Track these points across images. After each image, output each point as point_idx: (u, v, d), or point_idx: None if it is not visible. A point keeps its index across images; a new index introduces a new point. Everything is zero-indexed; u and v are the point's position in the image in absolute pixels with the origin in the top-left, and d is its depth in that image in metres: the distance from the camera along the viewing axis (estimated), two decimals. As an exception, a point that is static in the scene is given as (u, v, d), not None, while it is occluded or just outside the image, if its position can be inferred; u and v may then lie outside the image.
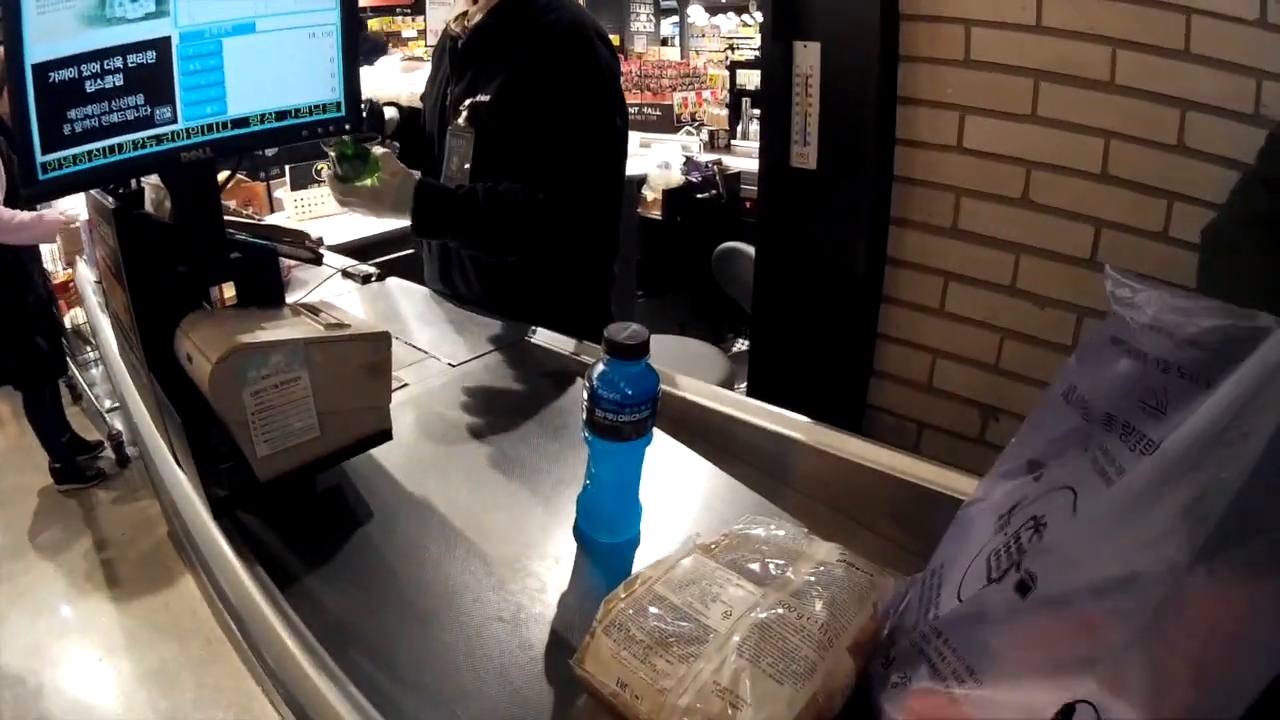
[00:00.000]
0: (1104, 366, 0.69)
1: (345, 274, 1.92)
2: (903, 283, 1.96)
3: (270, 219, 1.99)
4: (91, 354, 4.81)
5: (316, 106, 1.20)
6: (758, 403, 1.38)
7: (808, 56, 1.89)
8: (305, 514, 1.17)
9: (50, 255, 4.15)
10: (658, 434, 1.06)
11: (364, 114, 1.36)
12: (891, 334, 2.00)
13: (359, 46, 1.22)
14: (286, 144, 1.81)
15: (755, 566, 0.87)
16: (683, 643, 0.77)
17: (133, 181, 1.21)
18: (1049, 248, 1.76)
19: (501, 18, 1.72)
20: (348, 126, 1.22)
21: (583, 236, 1.73)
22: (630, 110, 6.17)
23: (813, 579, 0.84)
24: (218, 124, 1.14)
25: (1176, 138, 1.61)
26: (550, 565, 1.06)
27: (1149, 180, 1.65)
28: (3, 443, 4.87)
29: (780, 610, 0.78)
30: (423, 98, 1.98)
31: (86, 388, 4.71)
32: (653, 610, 0.81)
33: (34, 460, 4.10)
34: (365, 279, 1.88)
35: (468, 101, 1.72)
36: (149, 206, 1.28)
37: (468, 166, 1.71)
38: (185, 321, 1.13)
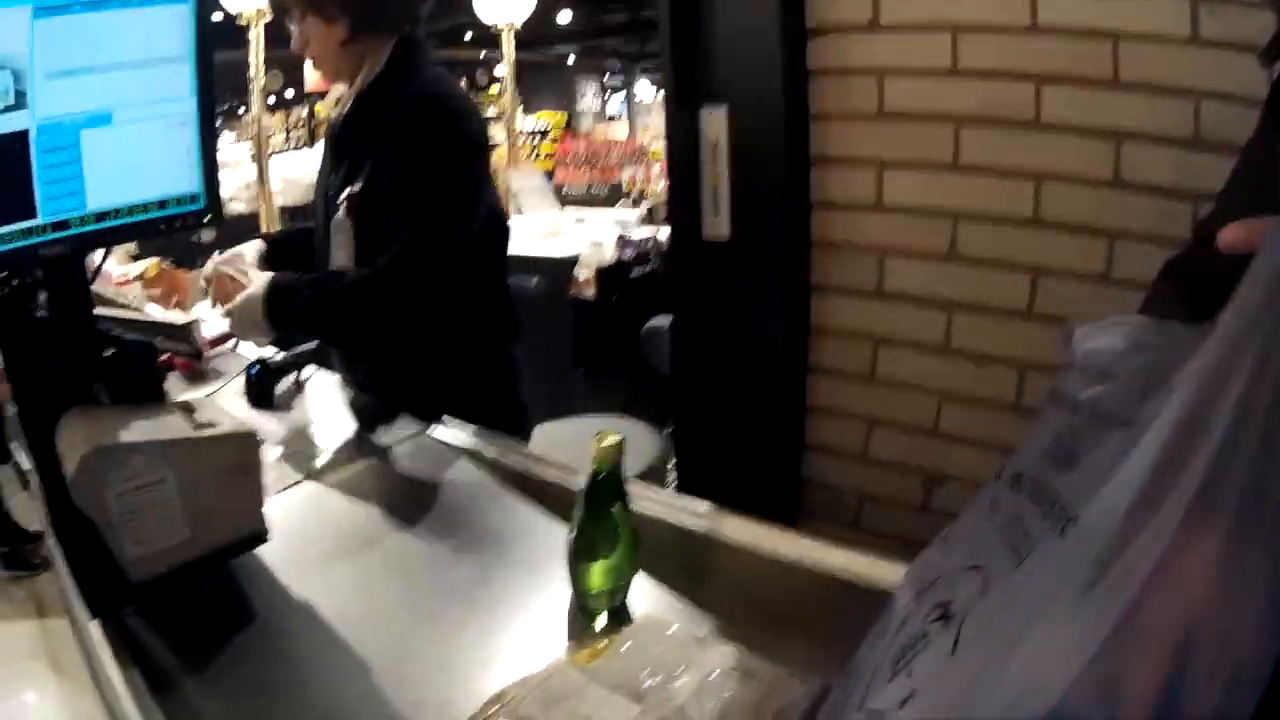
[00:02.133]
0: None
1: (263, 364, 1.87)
2: (829, 351, 1.92)
3: (199, 309, 1.97)
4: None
5: (177, 199, 1.18)
6: (665, 493, 1.33)
7: (714, 122, 1.87)
8: (187, 616, 1.13)
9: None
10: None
11: None
12: (822, 405, 1.96)
13: (216, 135, 1.20)
14: (148, 238, 1.80)
15: (637, 678, 0.82)
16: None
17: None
18: (983, 302, 1.72)
19: (367, 102, 1.71)
20: (206, 219, 1.20)
21: (446, 310, 1.66)
22: (579, 188, 6.21)
23: (699, 691, 0.79)
24: (76, 219, 1.11)
25: (1112, 172, 1.57)
26: (433, 673, 1.02)
27: (1086, 220, 1.61)
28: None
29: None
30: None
31: (35, 476, 4.57)
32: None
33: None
34: (282, 369, 1.83)
35: (346, 191, 1.69)
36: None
37: (352, 258, 1.69)
38: (64, 418, 1.11)
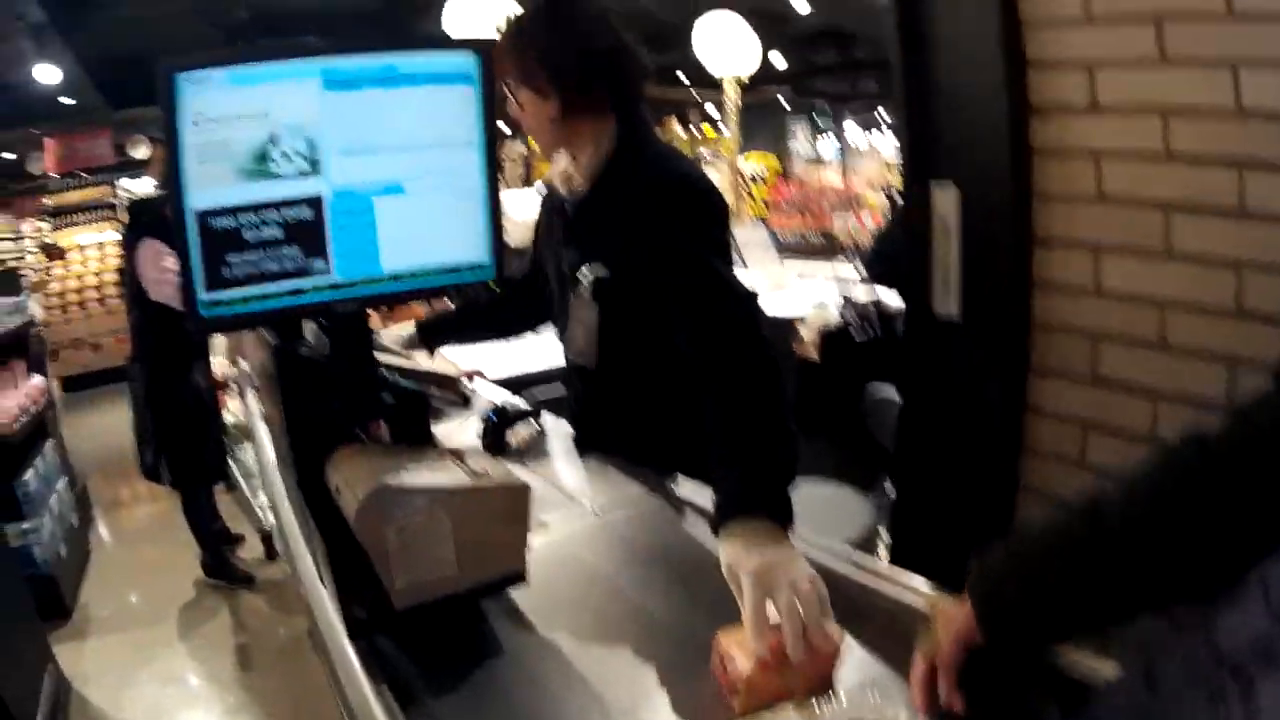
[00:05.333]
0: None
1: (501, 411, 1.95)
2: (1044, 434, 1.90)
3: (397, 329, 2.09)
4: (250, 450, 5.05)
5: (464, 266, 1.29)
6: (881, 564, 1.34)
7: (944, 199, 1.90)
8: (436, 644, 1.22)
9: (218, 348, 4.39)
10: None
11: None
12: (1034, 485, 1.95)
13: (500, 208, 1.30)
14: (434, 298, 1.89)
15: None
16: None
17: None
18: (1187, 391, 1.70)
19: (606, 186, 1.72)
20: (492, 284, 1.30)
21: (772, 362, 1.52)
22: (793, 235, 6.08)
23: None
24: (369, 279, 1.23)
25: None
26: (665, 714, 1.07)
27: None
28: (161, 511, 5.18)
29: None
30: (537, 246, 2.01)
31: (241, 479, 4.92)
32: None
33: (189, 538, 4.32)
34: (519, 416, 1.93)
35: (586, 274, 1.71)
36: (308, 335, 1.38)
37: (595, 340, 1.73)
38: (337, 454, 1.22)
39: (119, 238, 10.07)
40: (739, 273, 1.64)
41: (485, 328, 2.29)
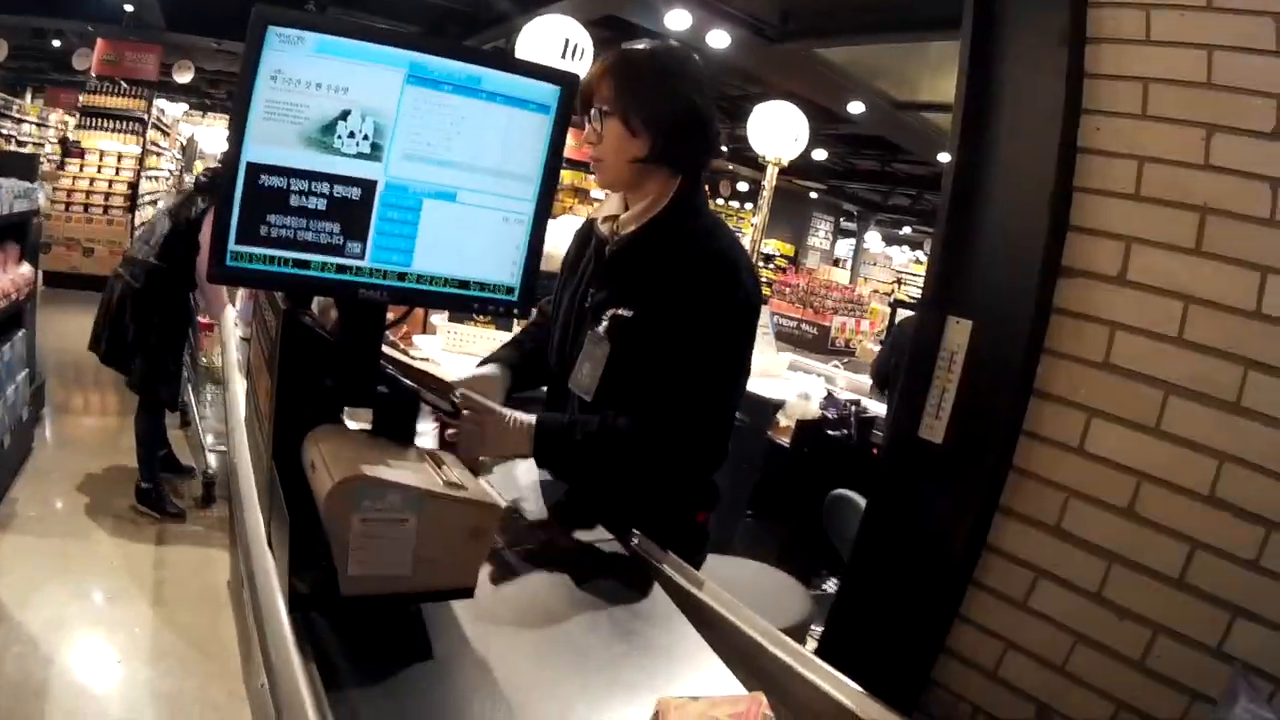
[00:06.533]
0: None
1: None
2: (994, 571, 1.95)
3: (420, 340, 2.07)
4: (210, 395, 5.12)
5: (493, 285, 1.31)
6: (814, 659, 1.36)
7: (959, 332, 1.95)
8: (371, 634, 1.22)
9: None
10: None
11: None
12: (971, 617, 1.99)
13: (544, 240, 1.32)
14: (455, 309, 1.90)
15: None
16: None
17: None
18: (1141, 561, 1.74)
19: (654, 234, 1.77)
20: (515, 311, 1.32)
21: (691, 457, 1.74)
22: (790, 324, 6.21)
23: None
24: (398, 274, 1.25)
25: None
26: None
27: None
28: (109, 427, 5.13)
29: None
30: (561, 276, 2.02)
31: (198, 419, 4.99)
32: None
33: (131, 461, 4.33)
34: None
35: (609, 313, 1.74)
36: (315, 307, 1.40)
37: (599, 374, 1.74)
38: (318, 431, 1.23)
39: (138, 152, 10.21)
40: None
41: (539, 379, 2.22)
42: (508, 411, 1.63)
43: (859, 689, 1.29)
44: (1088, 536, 1.81)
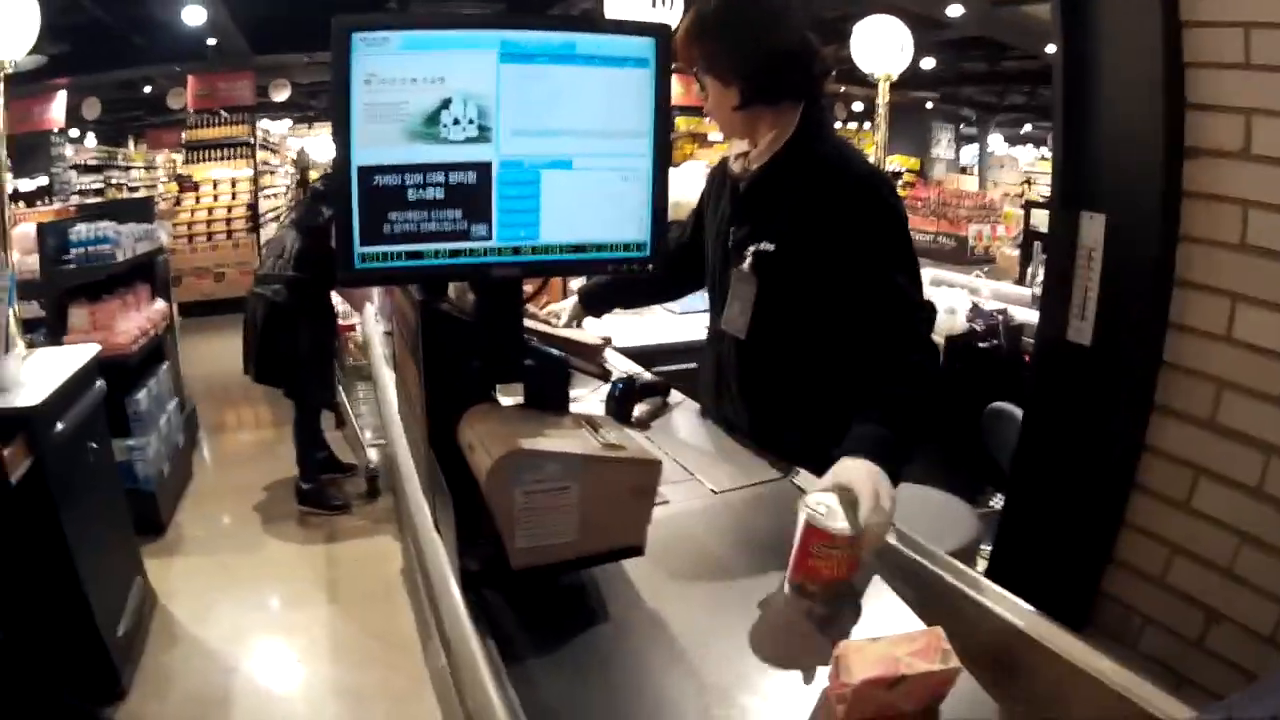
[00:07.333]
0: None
1: (628, 382, 1.97)
2: (1156, 473, 1.90)
3: (557, 307, 2.12)
4: (361, 393, 5.23)
5: (624, 244, 1.32)
6: (983, 581, 1.33)
7: (1092, 228, 1.89)
8: (545, 604, 1.25)
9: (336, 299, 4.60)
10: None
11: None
12: (1137, 523, 1.94)
13: (668, 191, 1.32)
14: (590, 274, 1.92)
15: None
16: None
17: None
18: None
19: (784, 165, 1.76)
20: (650, 268, 1.34)
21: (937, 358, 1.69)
22: (926, 238, 6.06)
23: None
24: (528, 248, 1.27)
25: None
26: (757, 702, 1.09)
27: None
28: (263, 440, 5.36)
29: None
30: (699, 217, 2.05)
31: (353, 418, 5.11)
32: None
33: (289, 468, 4.49)
34: (647, 388, 1.98)
35: (751, 248, 1.75)
36: (451, 293, 1.43)
37: (750, 312, 1.76)
38: (472, 412, 1.26)
39: (251, 174, 10.56)
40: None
41: (644, 294, 2.43)
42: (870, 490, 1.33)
43: (1030, 608, 1.26)
44: (1243, 428, 1.74)
